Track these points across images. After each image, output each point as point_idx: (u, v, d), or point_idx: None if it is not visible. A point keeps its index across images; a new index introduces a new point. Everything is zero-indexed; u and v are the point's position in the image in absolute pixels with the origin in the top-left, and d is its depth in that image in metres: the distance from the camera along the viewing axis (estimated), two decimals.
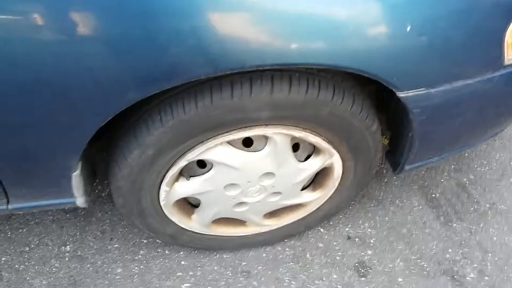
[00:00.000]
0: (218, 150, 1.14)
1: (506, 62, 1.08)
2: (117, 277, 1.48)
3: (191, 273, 1.49)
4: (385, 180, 1.75)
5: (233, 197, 1.27)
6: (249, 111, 1.03)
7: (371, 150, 1.24)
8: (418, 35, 0.96)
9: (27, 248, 1.55)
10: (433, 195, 1.70)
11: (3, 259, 1.52)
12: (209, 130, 1.06)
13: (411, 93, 1.04)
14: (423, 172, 1.78)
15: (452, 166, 1.80)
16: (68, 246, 1.56)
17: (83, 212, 1.65)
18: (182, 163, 1.13)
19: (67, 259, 1.52)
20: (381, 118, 1.27)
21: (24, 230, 1.59)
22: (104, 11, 0.79)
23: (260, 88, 1.00)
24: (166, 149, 1.08)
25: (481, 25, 1.02)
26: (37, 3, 0.78)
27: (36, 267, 1.50)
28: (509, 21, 1.03)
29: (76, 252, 1.54)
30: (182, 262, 1.52)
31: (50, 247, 1.55)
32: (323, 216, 1.49)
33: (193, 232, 1.40)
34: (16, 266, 1.50)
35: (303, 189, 1.39)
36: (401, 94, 1.04)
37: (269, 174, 1.22)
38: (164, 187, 1.19)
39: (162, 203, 1.24)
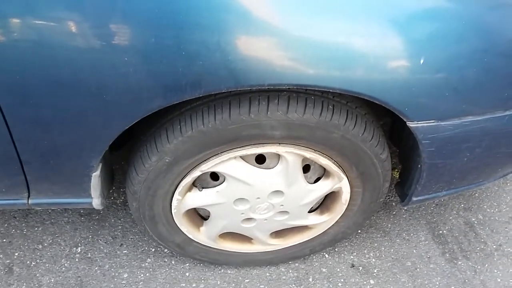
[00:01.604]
0: (232, 164, 1.19)
1: None
2: (123, 282, 1.52)
3: (194, 285, 1.52)
4: (394, 212, 1.77)
5: (241, 212, 1.31)
6: (264, 128, 1.08)
7: (380, 178, 1.28)
8: (432, 70, 1.00)
9: (40, 246, 1.60)
10: (441, 232, 1.71)
11: (16, 254, 1.58)
12: (225, 143, 1.11)
13: (421, 124, 1.08)
14: (432, 207, 1.79)
15: (462, 205, 1.81)
16: (79, 248, 1.61)
17: (97, 217, 1.70)
18: (196, 173, 1.18)
19: (77, 260, 1.57)
20: (394, 151, 1.31)
21: (39, 229, 1.65)
22: (141, 22, 0.86)
23: (277, 107, 1.06)
24: (182, 158, 1.13)
25: (496, 65, 1.06)
26: (82, 13, 0.86)
27: (47, 265, 1.55)
28: None
29: (86, 254, 1.59)
30: (187, 274, 1.55)
31: (62, 247, 1.61)
32: (329, 241, 1.51)
33: (200, 244, 1.44)
34: (28, 262, 1.56)
35: (311, 211, 1.42)
36: (411, 124, 1.08)
37: (278, 192, 1.26)
38: (176, 196, 1.24)
39: (173, 211, 1.29)
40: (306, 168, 1.28)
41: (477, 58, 1.04)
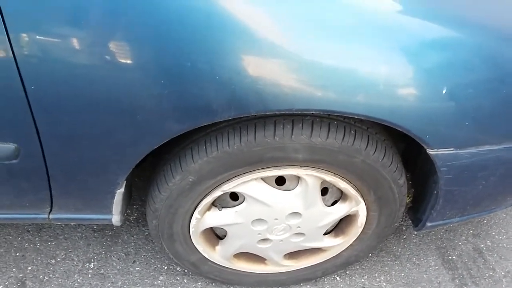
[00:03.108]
0: (252, 184, 1.21)
1: None
2: None
3: None
4: (404, 236, 1.79)
5: (258, 233, 1.33)
6: (288, 151, 1.11)
7: (397, 202, 1.30)
8: (452, 100, 1.04)
9: (53, 261, 1.61)
10: (450, 257, 1.73)
11: (29, 268, 1.58)
12: (249, 165, 1.14)
13: (440, 151, 1.11)
14: (441, 233, 1.81)
15: (471, 231, 1.83)
16: (92, 264, 1.61)
17: (110, 233, 1.71)
18: (217, 193, 1.21)
19: (89, 275, 1.58)
20: (406, 177, 1.34)
21: (53, 243, 1.66)
22: (178, 47, 0.90)
23: (301, 131, 1.09)
24: (206, 178, 1.16)
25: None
26: (119, 34, 0.89)
27: (60, 280, 1.56)
28: None
29: (99, 270, 1.59)
30: None
31: (75, 262, 1.61)
32: (341, 264, 1.53)
33: (214, 263, 1.45)
34: (41, 276, 1.56)
35: (326, 233, 1.44)
36: (431, 152, 1.11)
37: (296, 214, 1.28)
38: (196, 215, 1.26)
39: (191, 230, 1.30)
40: (324, 191, 1.31)
41: (493, 89, 1.07)
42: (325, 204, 1.30)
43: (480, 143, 1.14)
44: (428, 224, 1.37)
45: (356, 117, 1.03)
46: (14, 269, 1.57)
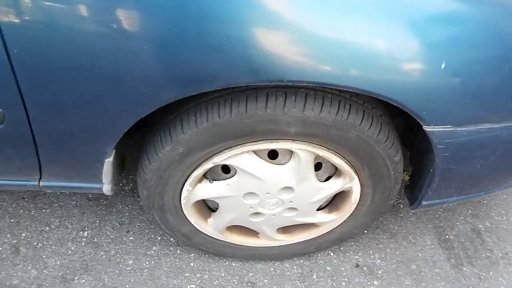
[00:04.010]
0: (244, 158, 1.18)
1: None
2: (128, 268, 1.52)
3: (198, 275, 1.53)
4: (401, 214, 1.77)
5: (250, 206, 1.31)
6: (280, 124, 1.08)
7: (392, 179, 1.27)
8: (452, 75, 1.00)
9: (47, 228, 1.62)
10: (447, 237, 1.71)
11: (23, 234, 1.59)
12: (240, 137, 1.11)
13: (437, 128, 1.08)
14: (439, 212, 1.79)
15: (470, 211, 1.81)
16: (86, 232, 1.62)
17: (104, 202, 1.71)
18: (208, 165, 1.18)
19: (83, 244, 1.58)
20: (405, 154, 1.30)
21: (47, 211, 1.67)
22: (164, 12, 0.86)
23: (294, 104, 1.05)
24: (196, 149, 1.13)
25: None
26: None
27: (53, 247, 1.56)
28: None
29: (93, 238, 1.60)
30: (192, 264, 1.56)
31: (69, 230, 1.62)
32: (335, 240, 1.51)
33: (207, 235, 1.44)
34: (34, 243, 1.57)
35: (319, 209, 1.42)
36: (427, 128, 1.08)
37: (288, 188, 1.26)
38: (187, 186, 1.24)
39: (182, 201, 1.29)
40: (317, 166, 1.28)
41: (497, 65, 1.03)
42: (318, 180, 1.28)
43: (479, 121, 1.10)
44: (424, 202, 1.34)
45: (350, 90, 0.99)
46: (8, 235, 1.58)
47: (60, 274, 1.49)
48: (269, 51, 0.92)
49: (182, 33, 0.87)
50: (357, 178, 1.26)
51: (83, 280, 1.48)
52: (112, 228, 1.63)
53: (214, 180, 1.27)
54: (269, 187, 1.25)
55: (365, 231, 1.68)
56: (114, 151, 1.15)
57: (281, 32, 0.91)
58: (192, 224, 1.39)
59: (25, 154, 1.13)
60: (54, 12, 0.86)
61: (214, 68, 0.93)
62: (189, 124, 1.10)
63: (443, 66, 0.98)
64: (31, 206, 1.67)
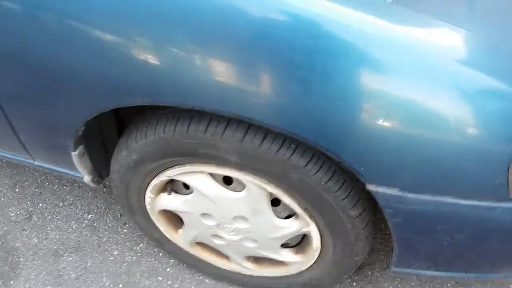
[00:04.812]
0: (198, 177, 1.18)
1: None
2: (111, 258, 1.61)
3: (169, 282, 1.55)
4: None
5: (209, 227, 1.30)
6: (219, 150, 1.05)
7: (351, 235, 1.15)
8: (399, 130, 0.87)
9: (61, 204, 1.78)
10: None
11: (40, 205, 1.77)
12: (183, 156, 1.11)
13: (381, 189, 0.95)
14: (449, 284, 1.56)
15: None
16: (90, 215, 1.74)
17: None
18: (162, 177, 1.20)
19: (84, 225, 1.71)
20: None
21: (68, 188, 1.83)
22: (96, 19, 0.90)
23: (233, 132, 1.02)
24: (147, 160, 1.16)
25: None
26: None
27: (59, 222, 1.72)
28: None
29: (93, 222, 1.72)
30: (168, 270, 1.59)
31: (77, 210, 1.76)
32: (304, 284, 1.41)
33: (177, 246, 1.45)
34: (46, 215, 1.74)
35: (288, 246, 1.34)
36: (370, 187, 0.96)
37: (243, 218, 1.22)
38: (149, 193, 1.27)
39: (147, 207, 1.33)
40: (277, 201, 1.21)
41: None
42: (277, 215, 1.21)
43: (437, 192, 0.94)
44: (394, 268, 1.19)
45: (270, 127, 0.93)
46: (28, 202, 1.78)
47: (55, 247, 1.64)
48: (195, 75, 0.90)
49: (114, 49, 0.91)
50: (314, 224, 1.17)
51: (70, 258, 1.61)
52: (113, 217, 1.73)
53: (173, 192, 1.28)
54: (223, 212, 1.23)
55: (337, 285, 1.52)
56: (81, 146, 1.23)
57: (205, 58, 0.89)
58: (162, 232, 1.42)
59: (10, 136, 1.26)
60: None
61: (144, 85, 0.95)
62: (140, 134, 1.13)
63: (381, 120, 0.86)
64: (56, 181, 1.85)
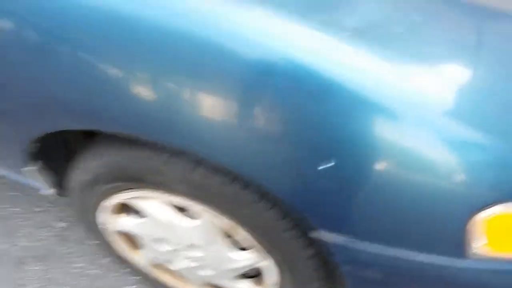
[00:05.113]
0: (151, 203, 1.13)
1: (471, 254, 0.84)
2: (75, 270, 1.57)
3: None
4: None
5: (165, 252, 1.24)
6: (167, 178, 1.00)
7: (306, 274, 1.08)
8: (343, 177, 0.80)
9: (37, 209, 1.73)
10: None
11: (16, 209, 1.73)
12: (134, 181, 1.06)
13: (328, 234, 0.88)
14: None
15: None
16: (63, 223, 1.70)
17: None
18: (114, 200, 1.16)
19: (54, 234, 1.67)
20: None
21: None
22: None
23: (179, 161, 0.96)
24: (100, 181, 1.11)
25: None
26: None
27: (31, 228, 1.68)
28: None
29: (64, 231, 1.68)
30: (134, 286, 1.54)
31: (51, 217, 1.72)
32: None
33: (138, 266, 1.41)
34: (19, 220, 1.70)
35: (249, 277, 1.28)
36: (314, 234, 0.89)
37: (198, 246, 1.16)
38: (103, 214, 1.23)
39: (102, 227, 1.28)
40: None
41: None
42: (235, 245, 1.15)
43: (392, 244, 0.86)
44: None
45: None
46: (5, 205, 1.75)
47: (21, 255, 1.61)
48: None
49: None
50: (272, 258, 1.11)
51: (36, 268, 1.57)
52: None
53: (131, 214, 1.23)
54: (178, 240, 1.17)
55: None
56: (40, 162, 1.18)
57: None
58: (122, 251, 1.37)
59: None
60: None
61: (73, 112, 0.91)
62: (94, 155, 1.09)
63: (326, 166, 0.79)
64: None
